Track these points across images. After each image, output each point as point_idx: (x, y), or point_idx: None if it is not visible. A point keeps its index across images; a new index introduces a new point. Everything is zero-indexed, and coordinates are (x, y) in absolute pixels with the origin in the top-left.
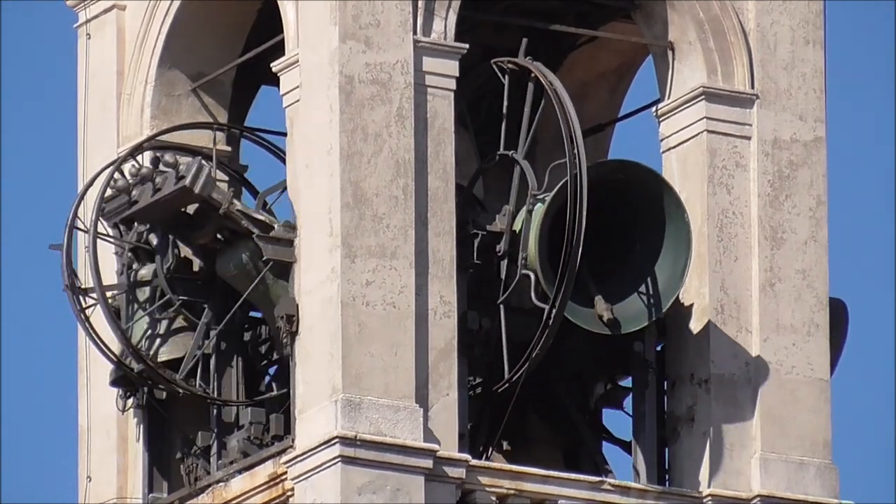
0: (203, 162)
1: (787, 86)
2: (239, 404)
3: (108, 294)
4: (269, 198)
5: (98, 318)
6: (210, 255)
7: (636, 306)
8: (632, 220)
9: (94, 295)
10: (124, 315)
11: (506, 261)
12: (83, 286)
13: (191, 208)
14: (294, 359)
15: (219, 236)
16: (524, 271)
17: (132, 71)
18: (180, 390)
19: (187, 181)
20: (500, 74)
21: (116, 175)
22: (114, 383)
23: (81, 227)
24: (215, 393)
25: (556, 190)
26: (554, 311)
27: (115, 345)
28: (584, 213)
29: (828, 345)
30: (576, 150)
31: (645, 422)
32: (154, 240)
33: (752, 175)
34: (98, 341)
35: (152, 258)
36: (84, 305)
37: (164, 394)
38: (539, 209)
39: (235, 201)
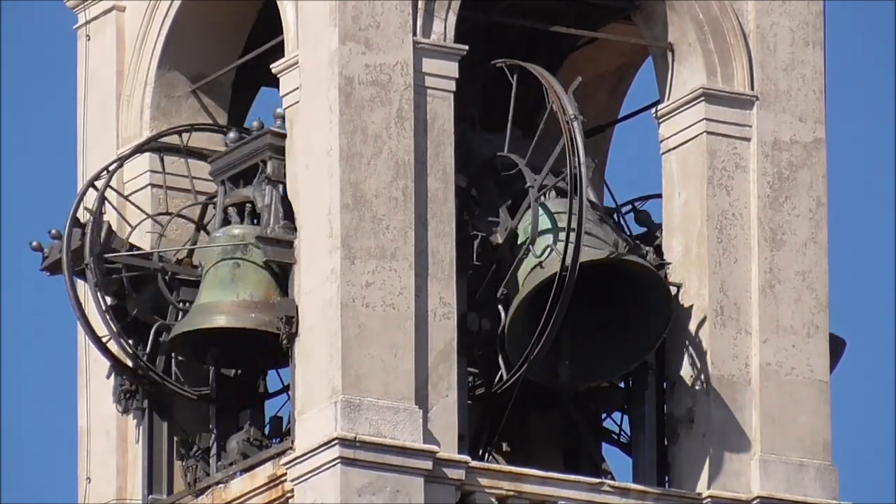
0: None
1: (786, 87)
2: (237, 405)
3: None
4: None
5: (92, 313)
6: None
7: (596, 365)
8: (624, 292)
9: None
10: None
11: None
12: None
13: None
14: (293, 360)
15: (234, 211)
16: (500, 307)
17: (132, 72)
18: (180, 392)
19: (272, 128)
20: (546, 90)
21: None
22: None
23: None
24: (215, 394)
25: (542, 281)
26: (510, 380)
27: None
28: (564, 310)
29: (827, 346)
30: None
31: (644, 423)
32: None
33: (751, 176)
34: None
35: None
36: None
37: (163, 395)
38: (518, 296)
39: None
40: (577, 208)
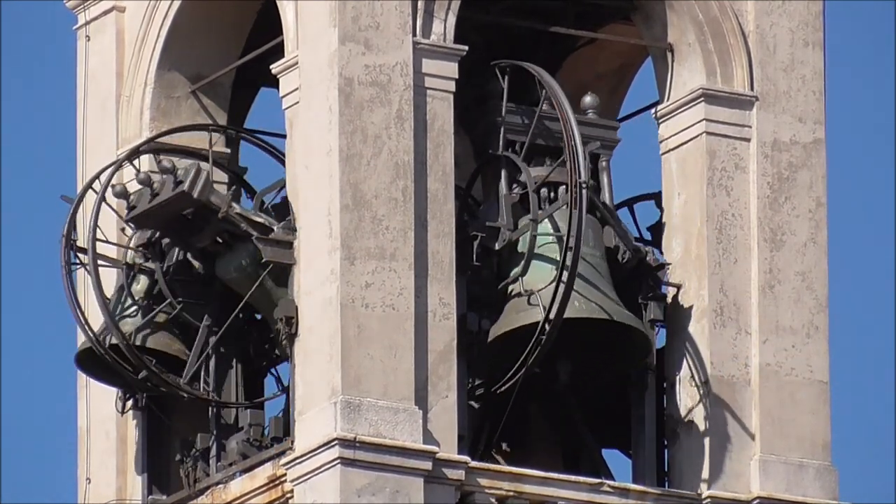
0: (201, 166)
1: (786, 87)
2: (238, 405)
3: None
4: (266, 197)
5: (92, 303)
6: (210, 257)
7: (594, 364)
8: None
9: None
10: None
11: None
12: (86, 313)
13: (190, 212)
14: (293, 360)
15: (218, 239)
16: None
17: (131, 73)
18: (184, 395)
19: (185, 186)
20: (554, 104)
21: (114, 180)
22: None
23: (81, 250)
24: (214, 395)
25: (520, 326)
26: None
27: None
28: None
29: (827, 347)
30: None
31: (644, 423)
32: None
33: (751, 177)
34: (111, 358)
35: (155, 258)
36: (101, 340)
37: (163, 395)
38: (497, 328)
39: (234, 204)
40: (575, 227)
